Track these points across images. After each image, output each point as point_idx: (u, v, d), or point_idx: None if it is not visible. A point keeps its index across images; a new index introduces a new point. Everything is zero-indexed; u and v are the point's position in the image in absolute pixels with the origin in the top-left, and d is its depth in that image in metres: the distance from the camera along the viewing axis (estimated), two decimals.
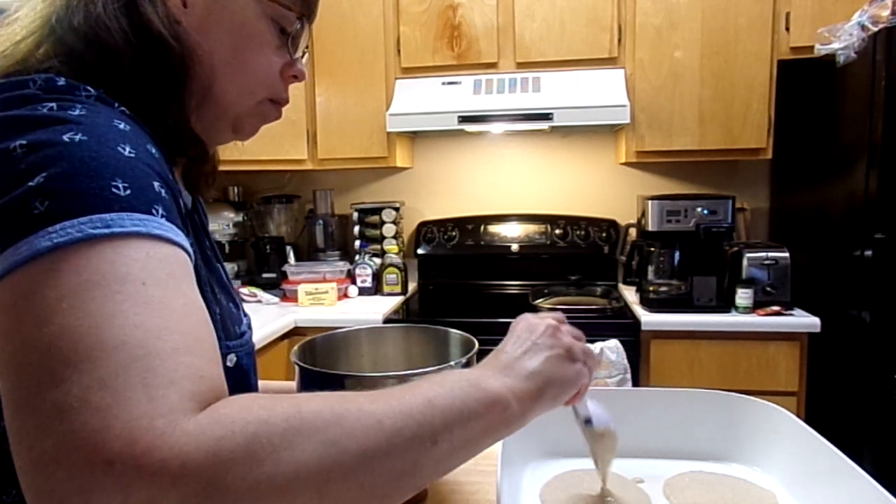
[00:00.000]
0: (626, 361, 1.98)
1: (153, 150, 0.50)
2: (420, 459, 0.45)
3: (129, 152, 0.46)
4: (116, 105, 0.51)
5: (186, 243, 0.47)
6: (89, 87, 0.50)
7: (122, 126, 0.48)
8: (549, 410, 0.58)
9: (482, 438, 0.51)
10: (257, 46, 0.62)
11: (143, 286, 0.40)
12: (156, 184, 0.46)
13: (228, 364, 0.61)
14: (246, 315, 0.75)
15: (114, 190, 0.43)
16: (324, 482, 0.39)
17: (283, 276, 2.50)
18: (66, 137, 0.43)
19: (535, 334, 0.61)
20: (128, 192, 0.43)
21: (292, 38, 0.64)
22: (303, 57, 0.69)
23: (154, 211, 0.44)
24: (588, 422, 0.78)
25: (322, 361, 0.89)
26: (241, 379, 0.65)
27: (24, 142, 0.43)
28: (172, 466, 0.35)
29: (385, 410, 0.44)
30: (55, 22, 0.54)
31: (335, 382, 0.72)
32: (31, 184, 0.41)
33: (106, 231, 0.41)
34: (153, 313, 0.40)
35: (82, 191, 0.41)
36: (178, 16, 0.58)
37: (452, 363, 0.77)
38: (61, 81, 0.49)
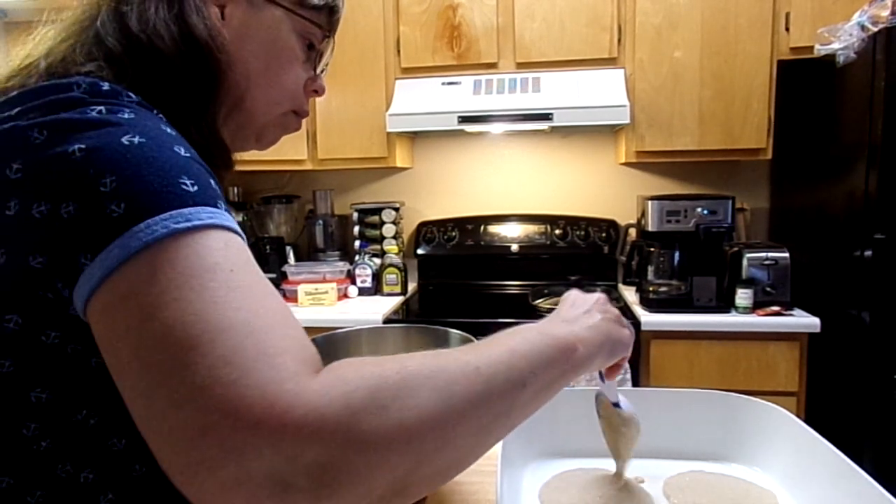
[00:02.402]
0: (626, 361, 1.98)
1: (195, 154, 0.52)
2: (514, 402, 0.49)
3: (185, 153, 0.48)
4: (155, 111, 0.52)
5: (243, 235, 0.49)
6: (130, 93, 0.51)
7: (169, 130, 0.50)
8: (607, 364, 0.66)
9: (559, 381, 0.55)
10: (287, 60, 0.65)
11: (232, 273, 0.43)
12: (212, 181, 0.48)
13: None
14: None
15: (183, 186, 0.44)
16: (444, 424, 0.42)
17: (283, 276, 2.50)
18: (125, 140, 0.45)
19: (588, 302, 0.66)
20: (195, 187, 0.45)
21: (319, 53, 0.68)
22: (323, 73, 0.71)
23: (219, 204, 0.46)
24: (616, 405, 0.80)
25: (322, 362, 0.90)
26: None
27: (82, 146, 0.44)
28: (312, 421, 0.37)
29: (478, 359, 0.47)
30: (100, 24, 0.56)
31: None
32: (102, 189, 0.42)
33: (188, 224, 0.42)
34: (246, 296, 0.42)
35: (156, 189, 0.43)
36: (218, 26, 0.60)
37: None
38: (105, 86, 0.50)
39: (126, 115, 0.47)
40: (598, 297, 0.68)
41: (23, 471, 0.50)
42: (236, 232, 0.46)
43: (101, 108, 0.47)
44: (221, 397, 0.37)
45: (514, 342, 0.52)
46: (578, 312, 0.64)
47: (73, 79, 0.49)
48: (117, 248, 0.41)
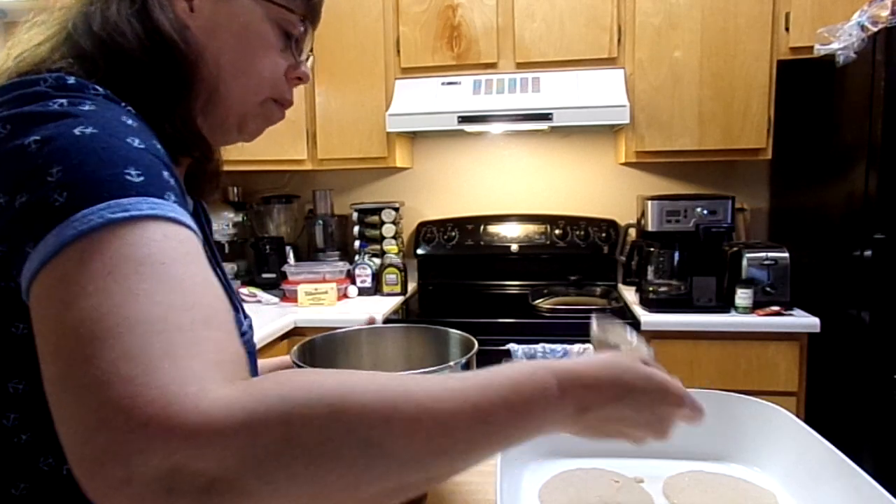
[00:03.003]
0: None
1: (159, 146, 0.52)
2: (442, 477, 0.46)
3: (139, 144, 0.48)
4: (123, 104, 0.53)
5: (197, 228, 0.49)
6: (98, 87, 0.52)
7: (129, 121, 0.50)
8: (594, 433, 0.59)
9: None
10: (261, 48, 0.64)
11: (163, 265, 0.42)
12: (165, 173, 0.48)
13: None
14: (247, 317, 0.76)
15: (127, 177, 0.44)
16: (354, 487, 0.39)
17: (283, 276, 2.50)
18: (76, 131, 0.45)
19: (652, 412, 0.59)
20: (141, 178, 0.45)
21: (296, 40, 0.66)
22: (307, 60, 0.70)
23: (167, 196, 0.46)
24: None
25: (322, 362, 0.89)
26: None
27: (37, 137, 0.45)
28: (206, 430, 0.36)
29: (438, 419, 0.42)
30: (71, 27, 0.57)
31: None
32: (48, 178, 0.43)
33: (125, 215, 0.42)
34: (172, 290, 0.41)
35: (99, 179, 0.43)
36: (185, 20, 0.60)
37: (452, 363, 0.77)
38: (71, 80, 0.51)
39: (86, 107, 0.48)
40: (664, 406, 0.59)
41: (5, 463, 0.50)
42: (184, 224, 0.46)
43: (64, 100, 0.48)
44: (118, 393, 0.36)
45: (487, 412, 0.45)
46: (629, 416, 0.57)
47: (41, 75, 0.51)
48: (53, 236, 0.41)
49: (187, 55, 0.59)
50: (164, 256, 0.42)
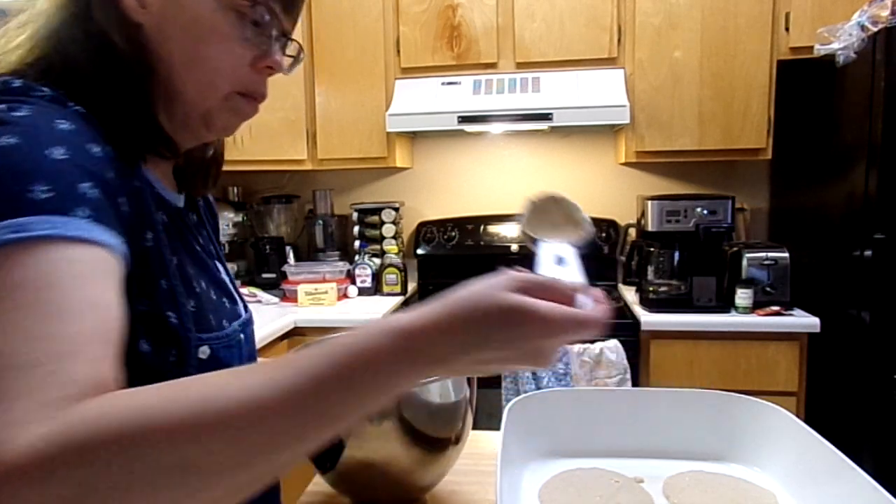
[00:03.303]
0: (625, 361, 1.98)
1: (95, 150, 0.52)
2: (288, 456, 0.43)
3: (61, 154, 0.47)
4: (71, 105, 0.53)
5: (114, 241, 0.48)
6: (45, 88, 0.53)
7: (63, 126, 0.50)
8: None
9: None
10: (214, 40, 0.61)
11: (40, 291, 0.41)
12: (83, 185, 0.47)
13: (201, 356, 0.62)
14: (247, 311, 0.78)
15: (29, 195, 0.44)
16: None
17: (283, 276, 2.50)
18: None
19: (514, 347, 0.48)
20: (47, 195, 0.44)
21: (256, 25, 0.62)
22: (285, 46, 0.67)
23: (76, 212, 0.45)
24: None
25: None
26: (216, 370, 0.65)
27: None
28: (11, 474, 0.35)
29: (252, 416, 0.40)
30: (32, 34, 0.58)
31: None
32: None
33: (15, 236, 0.42)
34: (38, 319, 0.40)
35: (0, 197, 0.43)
36: (137, 17, 0.59)
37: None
38: (17, 83, 0.52)
39: (20, 113, 0.48)
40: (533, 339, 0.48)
41: None
42: (92, 242, 0.45)
43: (4, 106, 0.49)
44: None
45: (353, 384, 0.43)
46: (493, 357, 0.48)
47: None
48: None
49: (132, 56, 0.59)
50: (45, 281, 0.41)
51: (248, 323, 0.78)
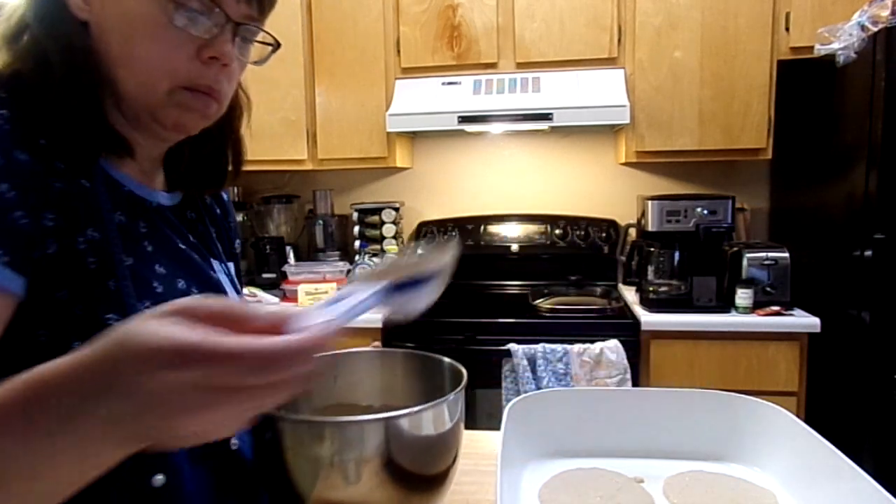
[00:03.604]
0: (625, 361, 1.98)
1: (18, 156, 0.53)
2: None
3: None
4: (4, 112, 0.54)
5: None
6: None
7: None
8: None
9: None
10: (145, 33, 0.59)
11: None
12: None
13: None
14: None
15: None
16: None
17: (283, 276, 2.50)
18: None
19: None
20: None
21: (192, 13, 0.59)
22: (234, 34, 0.63)
23: None
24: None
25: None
26: None
27: None
28: None
29: None
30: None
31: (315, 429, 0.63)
32: None
33: None
34: None
35: None
36: (82, 15, 0.59)
37: (435, 402, 0.66)
38: None
39: None
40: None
41: None
42: None
43: None
44: None
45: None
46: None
47: None
48: None
49: (81, 54, 0.58)
50: None
51: None
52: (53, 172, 0.56)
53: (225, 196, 0.88)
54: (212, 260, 0.77)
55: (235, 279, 0.83)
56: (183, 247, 0.71)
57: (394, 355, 0.88)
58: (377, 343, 0.87)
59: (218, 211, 0.85)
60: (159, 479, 0.59)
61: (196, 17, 0.59)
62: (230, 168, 0.79)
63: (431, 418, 0.67)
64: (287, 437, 0.64)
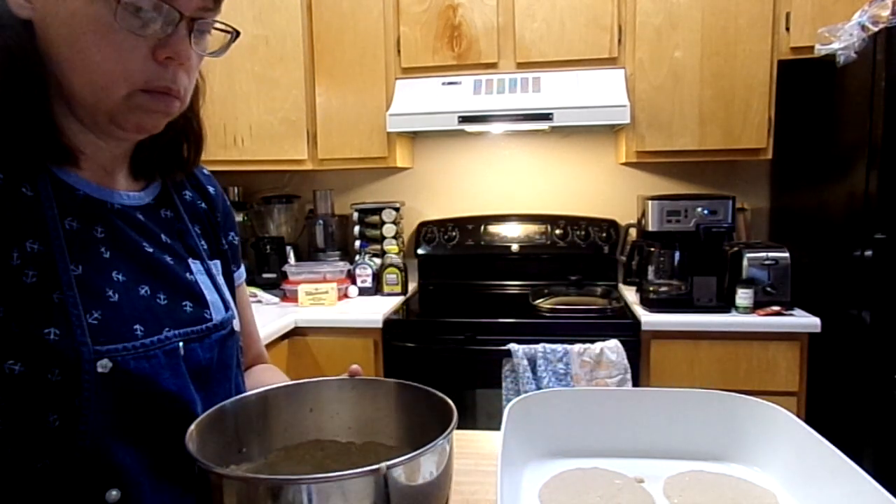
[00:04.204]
0: (626, 361, 1.98)
1: None
2: None
3: None
4: None
5: None
6: None
7: None
8: None
9: None
10: (94, 36, 0.55)
11: None
12: None
13: (100, 370, 0.58)
14: (227, 311, 0.74)
15: None
16: None
17: (284, 276, 2.50)
18: None
19: None
20: None
21: (140, 13, 0.56)
22: (190, 30, 0.60)
23: None
24: None
25: (246, 425, 0.73)
26: (126, 383, 0.60)
27: None
28: None
29: None
30: None
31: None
32: None
33: None
34: None
35: None
36: (22, 13, 0.56)
37: (411, 454, 0.57)
38: None
39: None
40: None
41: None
42: None
43: None
44: None
45: None
46: None
47: None
48: None
49: (23, 55, 0.55)
50: None
51: (217, 328, 0.72)
52: None
53: (212, 190, 0.85)
54: (190, 260, 0.73)
55: (221, 277, 0.79)
56: (150, 250, 0.68)
57: (375, 385, 0.81)
58: (356, 366, 0.81)
59: (203, 206, 0.82)
60: (114, 494, 0.59)
61: (147, 16, 0.56)
62: (193, 149, 0.75)
63: (405, 473, 0.57)
64: (225, 496, 0.55)
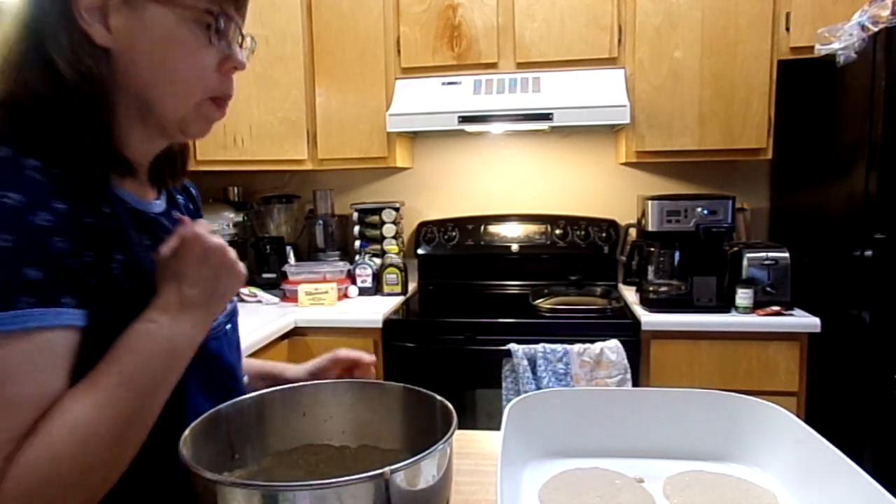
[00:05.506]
0: (626, 361, 1.98)
1: (59, 210, 0.57)
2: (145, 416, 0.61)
3: (5, 241, 0.54)
4: (28, 162, 0.57)
5: (55, 317, 0.57)
6: (7, 147, 0.57)
7: (9, 201, 0.55)
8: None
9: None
10: (182, 53, 0.64)
11: None
12: (30, 270, 0.55)
13: None
14: (232, 301, 0.83)
15: None
16: (119, 447, 0.60)
17: (283, 276, 2.50)
18: None
19: (209, 270, 0.66)
20: None
21: (217, 31, 0.66)
22: (241, 43, 0.70)
23: (14, 304, 0.54)
24: None
25: (245, 426, 0.74)
26: (204, 359, 0.73)
27: None
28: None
29: (111, 416, 0.58)
30: (11, 86, 0.62)
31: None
32: None
33: None
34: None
35: None
36: (104, 43, 0.62)
37: (424, 454, 0.58)
38: None
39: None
40: (216, 257, 0.66)
41: None
42: (26, 330, 0.55)
43: None
44: None
45: (134, 370, 0.60)
46: (200, 291, 0.65)
47: None
48: None
49: (102, 80, 0.62)
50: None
51: (234, 313, 0.86)
52: (82, 209, 0.61)
53: (194, 191, 0.92)
54: None
55: None
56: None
57: (369, 388, 0.81)
58: (344, 352, 0.84)
59: (191, 206, 0.89)
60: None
61: (220, 35, 0.66)
62: (186, 155, 0.83)
63: (406, 477, 0.58)
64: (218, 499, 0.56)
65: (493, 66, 2.34)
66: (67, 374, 0.58)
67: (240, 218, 2.67)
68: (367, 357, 0.92)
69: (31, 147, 0.58)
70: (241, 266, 0.70)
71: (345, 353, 0.92)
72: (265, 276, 2.60)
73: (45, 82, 0.60)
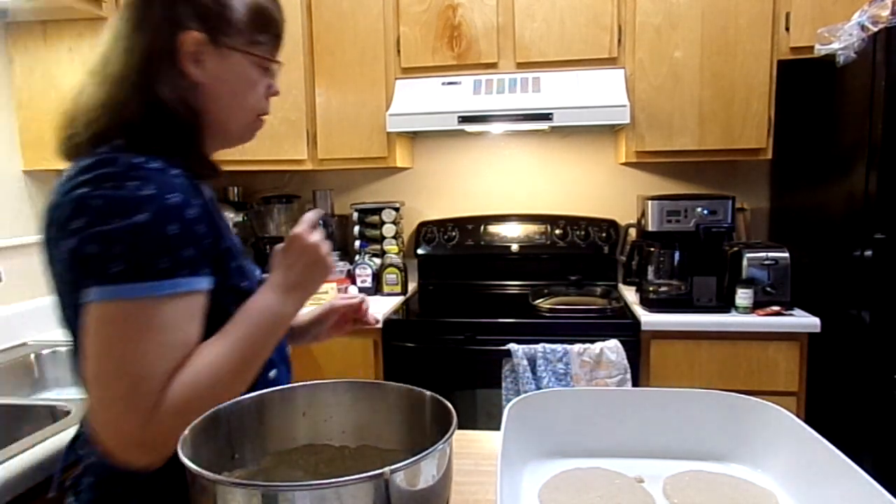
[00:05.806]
0: (626, 361, 1.98)
1: (196, 204, 0.76)
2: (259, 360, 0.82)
3: (174, 230, 0.73)
4: (172, 171, 0.75)
5: (200, 283, 0.76)
6: (153, 162, 0.75)
7: (173, 200, 0.73)
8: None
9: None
10: (250, 87, 0.88)
11: (138, 331, 0.71)
12: (188, 250, 0.74)
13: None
14: (258, 267, 1.01)
15: (157, 265, 0.72)
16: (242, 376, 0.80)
17: None
18: (137, 219, 0.71)
19: (305, 260, 0.88)
20: (166, 265, 0.72)
21: (269, 70, 0.90)
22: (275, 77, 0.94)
23: (179, 273, 0.73)
24: None
25: (241, 427, 0.75)
26: None
27: (115, 224, 0.70)
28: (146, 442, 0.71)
29: (235, 364, 0.78)
30: (124, 99, 0.79)
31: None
32: (114, 251, 0.70)
33: (132, 296, 0.71)
34: (136, 347, 0.71)
35: (138, 264, 0.71)
36: (198, 79, 0.82)
37: (416, 457, 0.58)
38: (137, 159, 0.74)
39: (147, 192, 0.72)
40: (311, 252, 0.88)
41: None
42: (181, 293, 0.73)
43: (137, 182, 0.72)
44: (103, 425, 0.73)
45: (252, 334, 0.80)
46: (299, 277, 0.87)
47: (112, 154, 0.74)
48: (103, 290, 0.71)
49: (194, 107, 0.82)
50: (141, 324, 0.71)
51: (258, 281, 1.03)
52: (204, 202, 0.79)
53: None
54: None
55: None
56: (222, 223, 0.93)
57: (368, 388, 0.81)
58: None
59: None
60: (272, 373, 0.91)
61: (270, 72, 0.91)
62: None
63: (406, 477, 0.58)
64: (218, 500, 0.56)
65: (493, 66, 2.34)
66: (202, 325, 0.76)
67: (240, 218, 2.67)
68: (357, 299, 1.13)
69: (168, 159, 0.77)
70: (331, 259, 0.90)
71: (339, 301, 1.13)
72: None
73: (154, 111, 0.79)
